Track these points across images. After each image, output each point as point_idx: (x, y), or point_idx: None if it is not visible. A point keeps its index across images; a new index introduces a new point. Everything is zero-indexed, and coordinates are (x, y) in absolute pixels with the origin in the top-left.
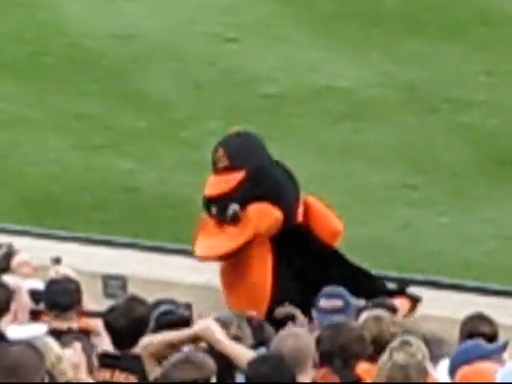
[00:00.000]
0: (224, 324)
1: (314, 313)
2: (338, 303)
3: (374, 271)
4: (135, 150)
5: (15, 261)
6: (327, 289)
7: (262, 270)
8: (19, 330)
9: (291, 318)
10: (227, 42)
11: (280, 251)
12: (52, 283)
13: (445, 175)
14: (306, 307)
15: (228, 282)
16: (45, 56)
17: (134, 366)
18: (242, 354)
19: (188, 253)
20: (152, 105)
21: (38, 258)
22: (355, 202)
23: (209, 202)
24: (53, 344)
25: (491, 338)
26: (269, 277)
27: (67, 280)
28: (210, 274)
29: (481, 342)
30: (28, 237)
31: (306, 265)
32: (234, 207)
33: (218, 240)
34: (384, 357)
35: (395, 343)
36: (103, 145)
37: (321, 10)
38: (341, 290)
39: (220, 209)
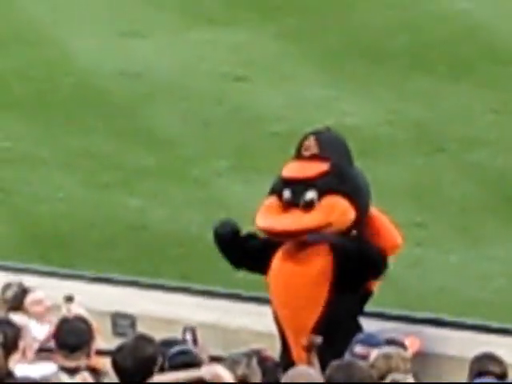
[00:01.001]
0: (233, 362)
1: (348, 355)
2: (374, 353)
3: (381, 309)
4: (144, 188)
5: (29, 299)
6: (365, 336)
7: (324, 272)
8: (28, 368)
9: (313, 348)
10: (235, 80)
11: (340, 262)
12: (63, 322)
13: (453, 213)
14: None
15: (286, 281)
16: (52, 94)
17: None
18: None
19: (196, 291)
20: (160, 143)
21: (48, 296)
22: None
23: (284, 183)
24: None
25: (501, 377)
26: (328, 280)
27: (79, 320)
28: (219, 312)
29: (491, 381)
30: (37, 275)
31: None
32: (312, 194)
33: (290, 218)
34: None
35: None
36: (111, 183)
37: (329, 48)
38: (378, 339)
39: (295, 192)
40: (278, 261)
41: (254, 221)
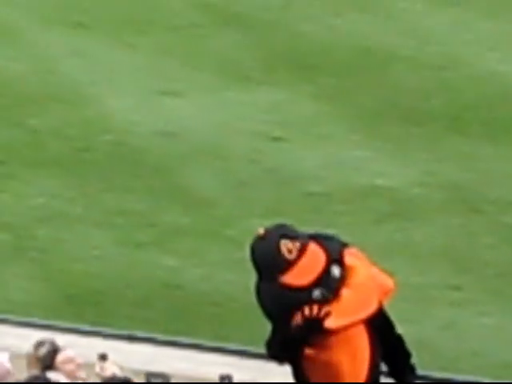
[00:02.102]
0: None
1: None
2: None
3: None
4: (179, 247)
5: (60, 357)
6: None
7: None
8: None
9: None
10: (272, 140)
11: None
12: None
13: (488, 275)
14: None
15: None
16: (88, 152)
17: None
18: None
19: (230, 351)
20: (196, 202)
21: (82, 355)
22: (398, 301)
23: (308, 290)
24: None
25: None
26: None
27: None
28: (253, 372)
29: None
30: (71, 333)
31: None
32: (336, 270)
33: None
34: None
35: None
36: (147, 241)
37: (365, 109)
38: None
39: (324, 283)
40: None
41: None
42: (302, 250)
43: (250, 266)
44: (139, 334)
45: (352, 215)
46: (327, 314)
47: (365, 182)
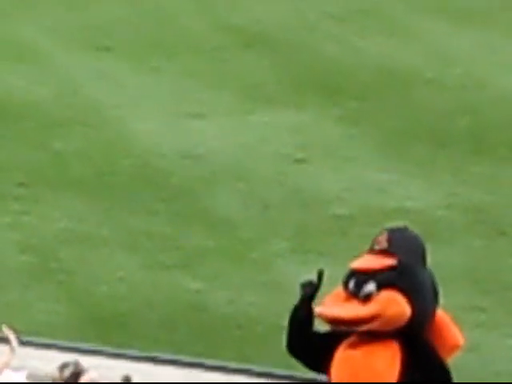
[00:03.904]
0: None
1: None
2: None
3: None
4: (203, 270)
5: (84, 379)
6: None
7: (391, 368)
8: None
9: None
10: (296, 163)
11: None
12: None
13: None
14: None
15: (351, 373)
16: (112, 175)
17: None
18: None
19: (255, 373)
20: (220, 224)
21: (106, 377)
22: None
23: (350, 274)
24: None
25: None
26: (395, 377)
27: None
28: None
29: None
30: (95, 355)
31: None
32: (370, 286)
33: (342, 306)
34: None
35: None
36: (171, 264)
37: (389, 131)
38: None
39: (358, 283)
40: (342, 352)
41: None
42: (382, 252)
43: (274, 288)
44: (163, 356)
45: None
46: None
47: (389, 204)
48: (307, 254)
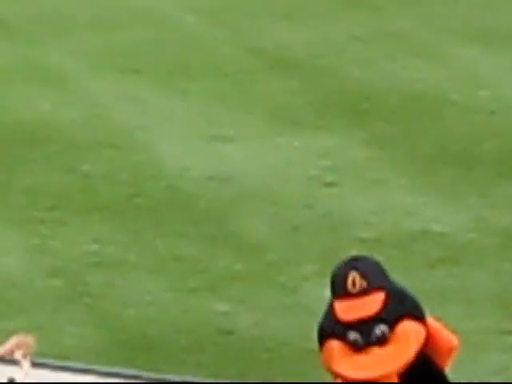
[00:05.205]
0: None
1: None
2: None
3: None
4: (231, 293)
5: None
6: None
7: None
8: None
9: None
10: (324, 186)
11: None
12: None
13: None
14: None
15: None
16: (140, 197)
17: None
18: None
19: None
20: (248, 247)
21: None
22: None
23: (346, 327)
24: None
25: None
26: None
27: None
28: None
29: None
30: (121, 378)
31: None
32: (382, 328)
33: (370, 361)
34: None
35: None
36: (199, 287)
37: (416, 154)
38: None
39: (363, 332)
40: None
41: None
42: (364, 292)
43: (301, 311)
44: (191, 379)
45: (404, 260)
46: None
47: (416, 227)
48: None
